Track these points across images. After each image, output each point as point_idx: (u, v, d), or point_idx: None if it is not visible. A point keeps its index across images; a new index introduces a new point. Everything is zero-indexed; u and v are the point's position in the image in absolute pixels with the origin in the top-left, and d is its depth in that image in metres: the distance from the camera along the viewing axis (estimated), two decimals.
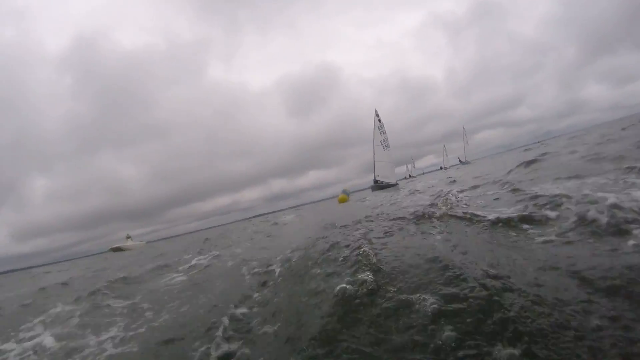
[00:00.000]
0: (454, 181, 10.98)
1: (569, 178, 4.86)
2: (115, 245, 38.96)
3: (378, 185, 30.15)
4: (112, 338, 2.98)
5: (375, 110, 32.64)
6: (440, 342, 1.53)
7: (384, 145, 32.96)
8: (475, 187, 7.04)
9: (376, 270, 2.34)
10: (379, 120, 32.82)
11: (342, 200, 22.72)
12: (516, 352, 1.38)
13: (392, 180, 31.98)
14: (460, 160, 62.15)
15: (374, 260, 2.53)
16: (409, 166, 77.27)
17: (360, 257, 2.62)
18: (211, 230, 31.73)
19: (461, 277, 1.96)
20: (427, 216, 4.14)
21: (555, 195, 3.61)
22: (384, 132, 33.12)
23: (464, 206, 4.49)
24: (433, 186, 11.02)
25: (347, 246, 3.15)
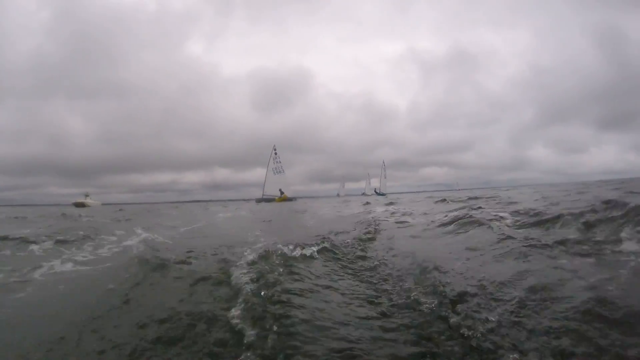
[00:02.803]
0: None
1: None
2: (79, 201, 45.11)
3: (263, 199, 46.26)
4: None
5: (274, 146, 50.32)
6: None
7: (275, 171, 49.44)
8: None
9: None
10: (275, 154, 50.21)
11: (279, 200, 40.24)
12: None
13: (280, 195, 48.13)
14: (376, 192, 72.30)
15: None
16: (340, 186, 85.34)
17: None
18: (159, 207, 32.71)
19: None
20: None
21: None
22: (279, 162, 50.17)
23: None
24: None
25: None
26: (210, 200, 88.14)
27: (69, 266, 4.44)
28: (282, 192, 46.74)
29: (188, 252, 4.74)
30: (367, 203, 20.42)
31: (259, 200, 45.40)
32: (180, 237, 7.25)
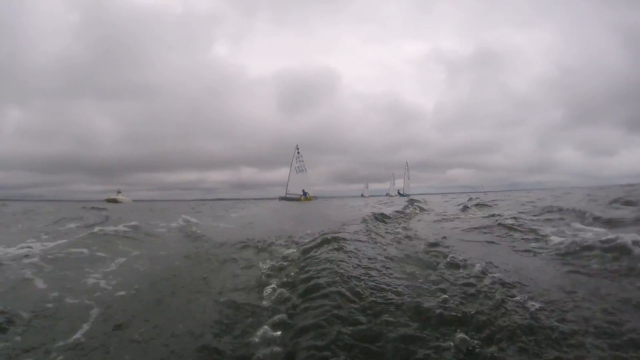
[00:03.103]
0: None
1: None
2: (112, 197, 46.62)
3: (286, 198, 46.32)
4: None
5: (297, 145, 50.13)
6: None
7: (298, 170, 49.43)
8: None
9: None
10: (298, 153, 50.08)
11: (306, 200, 39.99)
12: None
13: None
14: (399, 193, 71.99)
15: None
16: (364, 187, 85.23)
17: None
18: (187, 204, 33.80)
19: None
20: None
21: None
22: (302, 161, 50.17)
23: None
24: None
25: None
26: (235, 199, 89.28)
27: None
28: (305, 193, 46.86)
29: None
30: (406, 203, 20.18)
31: (282, 199, 45.68)
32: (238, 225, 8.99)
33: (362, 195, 79.77)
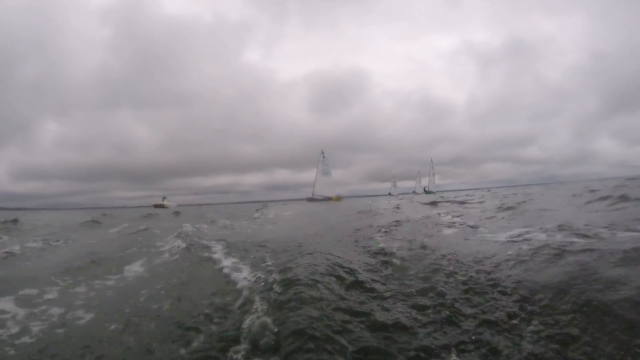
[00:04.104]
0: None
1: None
2: (159, 203, 51.82)
3: (313, 199, 51.91)
4: None
5: (322, 150, 56.24)
6: None
7: (323, 173, 55.32)
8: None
9: None
10: (324, 157, 56.06)
11: (336, 200, 43.83)
12: None
13: (328, 194, 53.45)
14: (425, 190, 72.05)
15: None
16: (392, 185, 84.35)
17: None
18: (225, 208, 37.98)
19: None
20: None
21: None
22: (327, 165, 56.51)
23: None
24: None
25: None
26: (270, 201, 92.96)
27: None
28: (335, 195, 51.87)
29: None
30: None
31: (309, 200, 50.29)
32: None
33: (389, 194, 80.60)
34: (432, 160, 78.01)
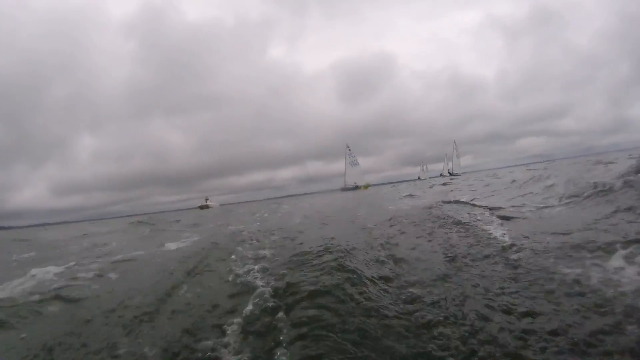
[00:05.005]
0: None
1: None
2: (203, 204, 56.11)
3: (346, 188, 57.26)
4: None
5: (347, 144, 61.28)
6: None
7: (352, 164, 61.44)
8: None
9: None
10: (349, 150, 62.47)
11: (365, 188, 51.18)
12: None
13: (359, 183, 59.46)
14: (449, 173, 72.02)
15: None
16: (421, 169, 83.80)
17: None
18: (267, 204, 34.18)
19: None
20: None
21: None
22: (353, 156, 62.52)
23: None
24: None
25: None
26: (305, 194, 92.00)
27: None
28: (362, 184, 56.80)
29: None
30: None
31: (343, 189, 54.60)
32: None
33: (418, 178, 79.83)
34: (454, 142, 77.84)
